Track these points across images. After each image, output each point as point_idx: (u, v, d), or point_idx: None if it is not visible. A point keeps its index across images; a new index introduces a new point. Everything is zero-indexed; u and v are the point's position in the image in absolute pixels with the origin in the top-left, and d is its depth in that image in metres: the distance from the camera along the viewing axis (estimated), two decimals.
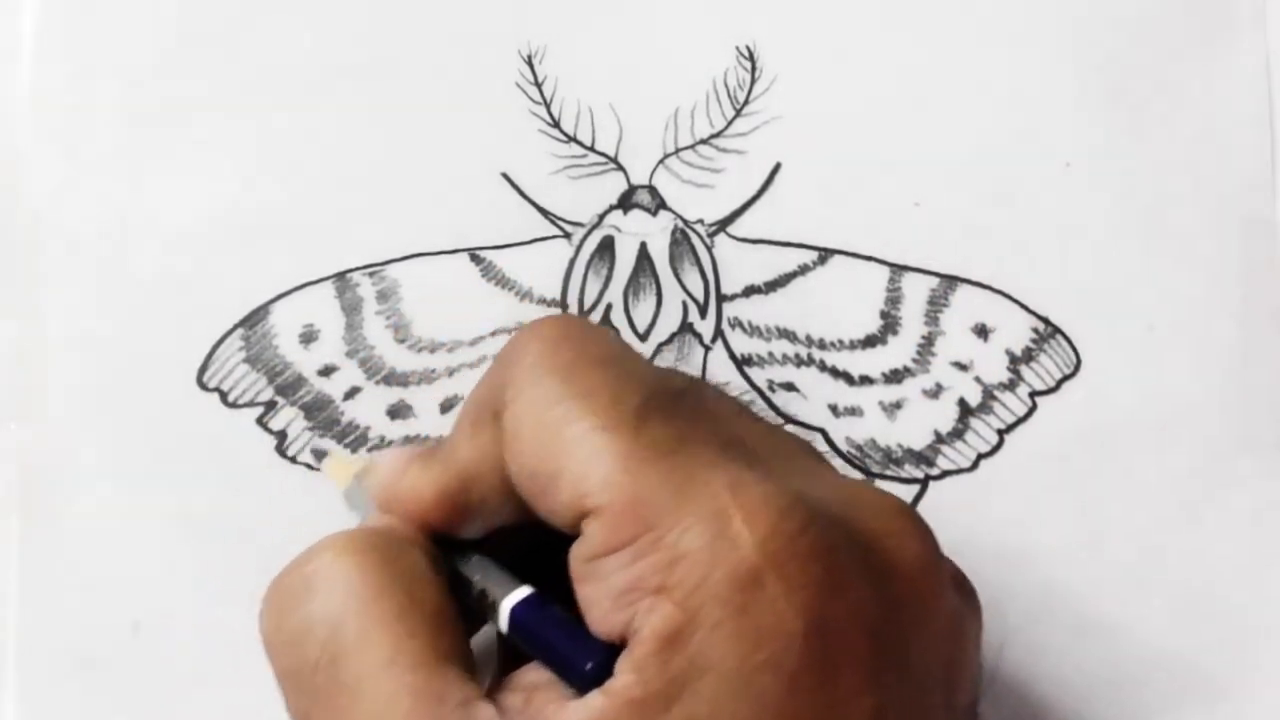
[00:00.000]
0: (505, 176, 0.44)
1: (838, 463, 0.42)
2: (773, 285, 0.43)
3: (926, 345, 0.43)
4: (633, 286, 0.43)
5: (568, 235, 0.44)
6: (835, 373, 0.43)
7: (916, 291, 0.43)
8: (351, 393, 0.43)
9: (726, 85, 0.44)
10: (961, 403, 0.43)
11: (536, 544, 0.34)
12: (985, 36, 0.44)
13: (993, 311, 0.43)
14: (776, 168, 0.44)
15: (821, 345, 0.43)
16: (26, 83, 0.44)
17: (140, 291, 0.43)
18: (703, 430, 0.32)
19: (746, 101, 0.44)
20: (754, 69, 0.44)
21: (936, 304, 0.43)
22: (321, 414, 0.43)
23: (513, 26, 0.44)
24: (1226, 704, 0.42)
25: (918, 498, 0.43)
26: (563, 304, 0.43)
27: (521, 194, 0.44)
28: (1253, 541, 0.42)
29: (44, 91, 0.44)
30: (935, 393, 0.43)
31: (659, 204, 0.44)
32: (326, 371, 0.43)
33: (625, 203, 0.44)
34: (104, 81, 0.44)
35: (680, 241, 0.44)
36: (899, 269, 0.43)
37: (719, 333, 0.43)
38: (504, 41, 0.44)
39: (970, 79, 0.44)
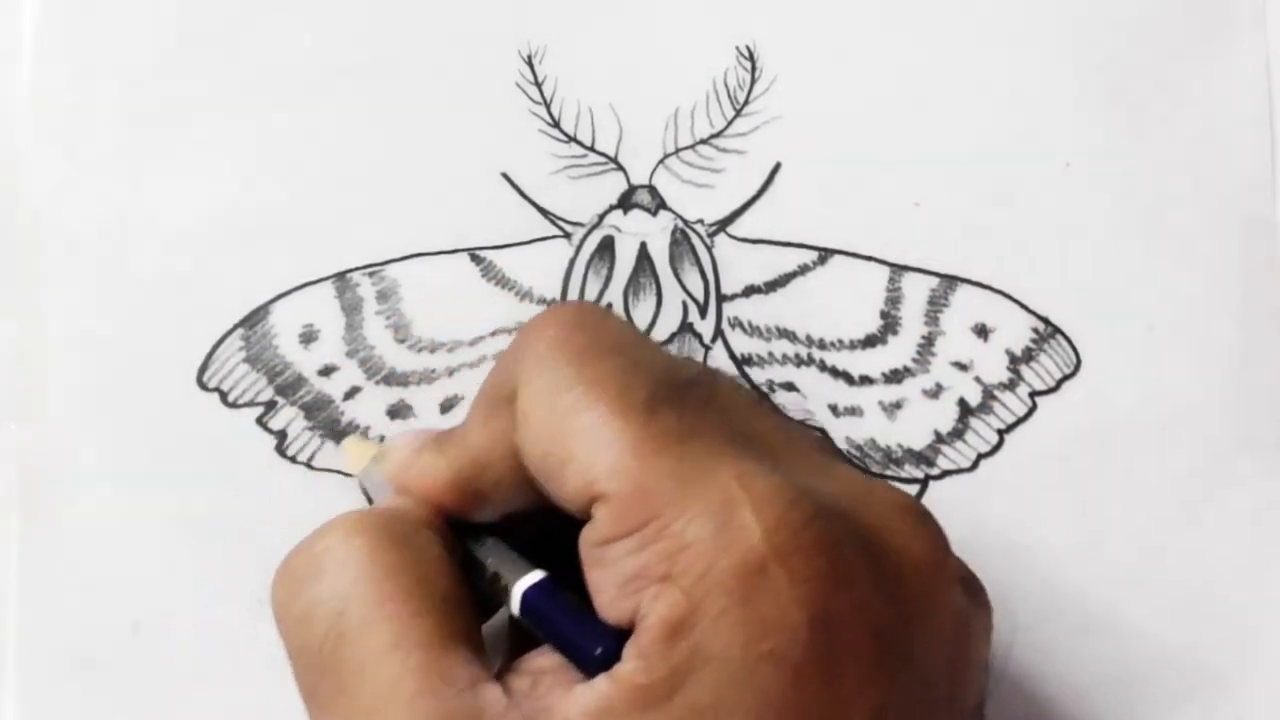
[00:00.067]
0: (505, 176, 0.44)
1: None
2: (773, 285, 0.43)
3: (926, 345, 0.43)
4: (633, 286, 0.43)
5: (568, 235, 0.44)
6: (835, 373, 0.43)
7: (916, 291, 0.43)
8: (351, 393, 0.43)
9: (726, 85, 0.44)
10: (961, 403, 0.43)
11: (551, 529, 0.34)
12: (985, 36, 0.44)
13: (993, 311, 0.43)
14: (776, 168, 0.44)
15: (821, 345, 0.43)
16: (26, 83, 0.44)
17: (140, 291, 0.43)
18: (713, 421, 0.32)
19: (746, 101, 0.44)
20: (754, 69, 0.44)
21: (936, 304, 0.43)
22: (321, 414, 0.43)
23: (513, 26, 0.44)
24: (1226, 704, 0.42)
25: (918, 497, 0.42)
26: None
27: (521, 194, 0.44)
28: (1253, 541, 0.42)
29: (44, 91, 0.44)
30: (935, 393, 0.43)
31: (659, 204, 0.44)
32: (326, 371, 0.43)
33: (625, 203, 0.44)
34: (104, 81, 0.44)
35: (680, 241, 0.44)
36: (899, 269, 0.43)
37: (719, 333, 0.43)
38: (504, 41, 0.44)
39: (970, 79, 0.44)
